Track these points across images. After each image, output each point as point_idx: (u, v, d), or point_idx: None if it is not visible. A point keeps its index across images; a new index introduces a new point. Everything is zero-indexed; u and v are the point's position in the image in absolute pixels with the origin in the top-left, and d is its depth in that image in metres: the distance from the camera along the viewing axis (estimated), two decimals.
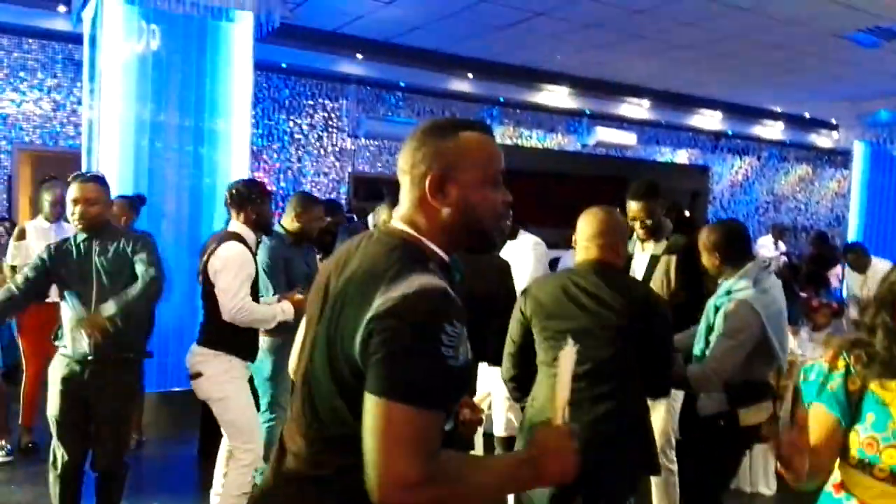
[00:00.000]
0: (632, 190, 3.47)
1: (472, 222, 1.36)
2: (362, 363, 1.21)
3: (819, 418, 1.68)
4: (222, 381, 3.19)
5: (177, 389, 5.18)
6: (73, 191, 3.06)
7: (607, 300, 2.42)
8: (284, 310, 3.35)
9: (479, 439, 3.59)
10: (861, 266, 6.88)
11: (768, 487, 4.44)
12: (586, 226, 2.54)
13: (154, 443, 4.91)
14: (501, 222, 1.41)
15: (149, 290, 3.04)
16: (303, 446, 1.33)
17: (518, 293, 2.66)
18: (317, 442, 1.32)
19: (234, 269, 3.13)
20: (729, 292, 2.82)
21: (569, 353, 1.35)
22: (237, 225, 3.32)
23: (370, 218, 4.38)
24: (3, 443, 4.36)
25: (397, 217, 1.40)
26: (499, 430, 3.80)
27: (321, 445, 1.31)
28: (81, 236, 3.09)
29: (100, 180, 3.17)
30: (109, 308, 2.94)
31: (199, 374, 3.19)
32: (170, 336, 4.87)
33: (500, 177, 1.40)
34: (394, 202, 3.61)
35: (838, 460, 1.71)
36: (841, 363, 1.68)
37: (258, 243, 3.52)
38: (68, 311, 3.01)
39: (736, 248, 2.91)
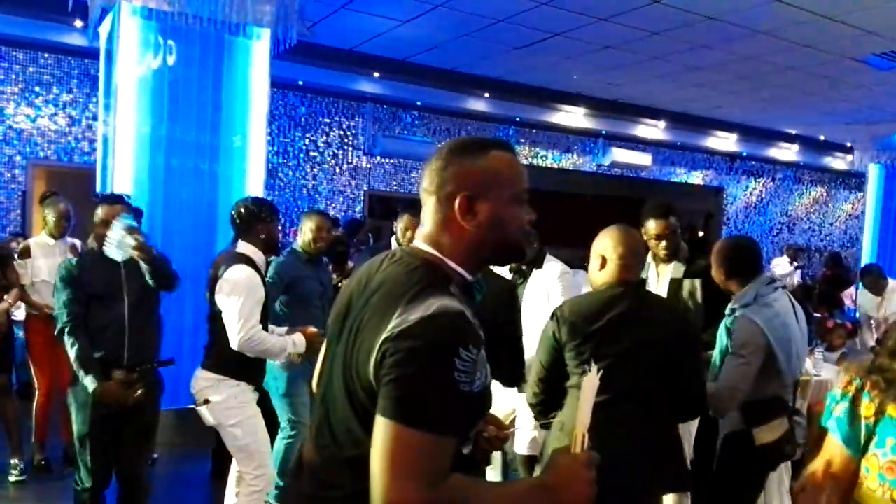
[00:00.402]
0: (651, 208, 3.41)
1: (503, 238, 1.37)
2: (376, 385, 1.21)
3: (831, 444, 1.69)
4: (231, 407, 3.09)
5: (191, 407, 5.11)
6: (100, 212, 3.11)
7: (649, 322, 2.39)
8: (296, 342, 3.23)
9: (496, 455, 3.50)
10: (878, 288, 6.82)
11: None
12: (619, 244, 2.47)
13: (167, 461, 4.86)
14: (529, 238, 1.44)
15: (168, 266, 3.21)
16: (320, 466, 1.34)
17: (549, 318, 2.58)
18: (332, 463, 1.31)
19: (242, 295, 2.98)
20: (734, 310, 2.81)
21: (591, 380, 1.29)
22: (245, 246, 3.16)
23: (395, 225, 4.37)
24: (17, 461, 4.31)
25: (420, 237, 1.39)
26: (521, 449, 3.68)
27: (336, 467, 1.30)
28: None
29: (122, 200, 3.20)
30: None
31: (206, 402, 3.10)
32: (184, 354, 4.81)
33: (526, 195, 1.41)
34: (415, 211, 3.54)
35: (854, 495, 1.66)
36: (851, 388, 1.67)
37: (268, 264, 3.41)
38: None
39: (742, 263, 2.88)
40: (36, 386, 4.55)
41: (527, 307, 3.54)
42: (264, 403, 3.80)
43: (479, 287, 1.40)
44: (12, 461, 4.30)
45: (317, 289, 3.94)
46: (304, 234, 3.91)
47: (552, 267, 3.66)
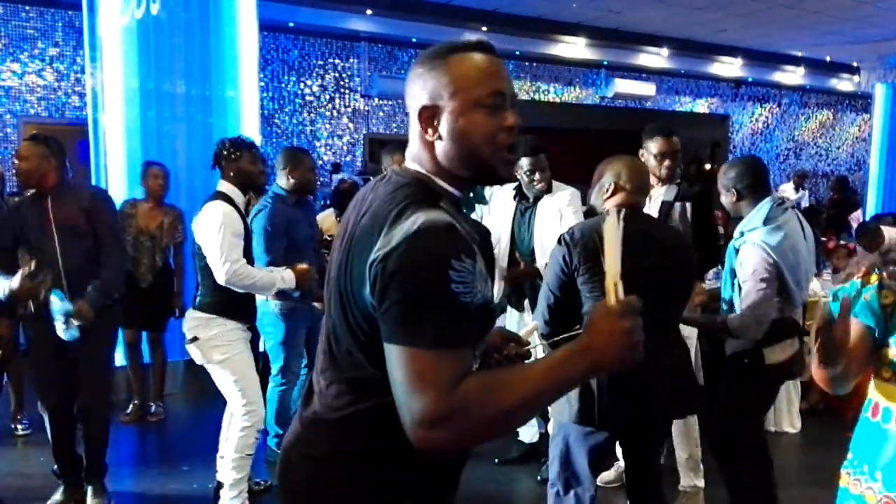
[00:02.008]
0: (655, 127, 3.37)
1: (467, 152, 1.25)
2: (374, 310, 1.17)
3: (852, 328, 1.68)
4: (218, 344, 3.12)
5: None
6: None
7: (659, 244, 2.41)
8: (285, 278, 3.19)
9: None
10: (872, 247, 6.63)
11: (793, 426, 4.50)
12: (631, 171, 2.51)
13: (181, 409, 4.94)
14: (502, 149, 1.26)
15: (121, 269, 3.34)
16: (323, 388, 1.33)
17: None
18: (335, 384, 1.30)
19: (217, 228, 3.01)
20: (742, 233, 2.79)
21: (612, 223, 1.19)
22: (222, 184, 3.19)
23: (383, 164, 4.25)
24: (20, 417, 4.42)
25: (408, 156, 1.34)
26: None
27: (339, 388, 1.30)
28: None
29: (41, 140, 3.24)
30: (94, 300, 3.08)
31: (194, 339, 3.15)
32: (189, 304, 4.83)
33: (500, 99, 1.25)
34: (401, 147, 3.46)
35: (871, 382, 1.74)
36: (874, 278, 1.72)
37: (262, 205, 3.39)
38: (55, 303, 3.02)
39: (752, 183, 2.83)
40: None
41: (539, 232, 3.54)
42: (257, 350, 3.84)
43: (468, 203, 1.32)
44: (17, 416, 4.41)
45: (308, 231, 3.88)
46: (290, 176, 3.73)
47: (562, 192, 3.64)
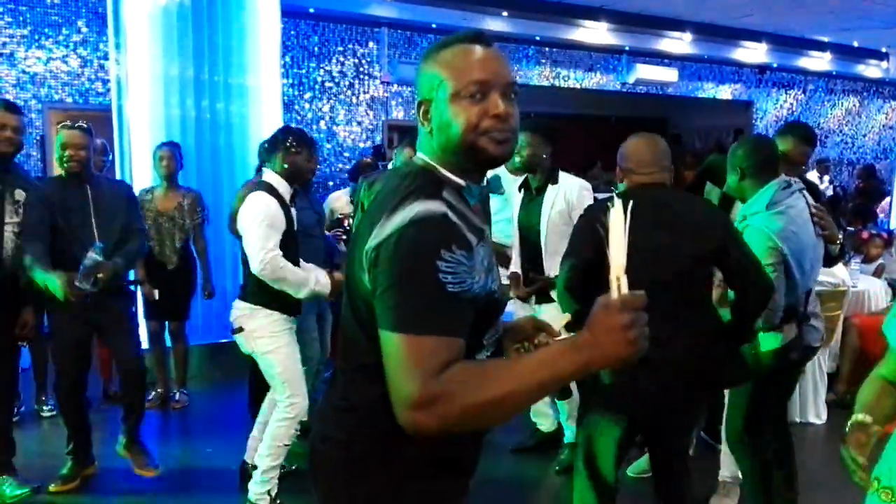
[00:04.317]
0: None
1: (455, 140, 1.29)
2: (371, 296, 1.23)
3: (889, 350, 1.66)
4: (263, 336, 3.16)
5: (224, 341, 5.23)
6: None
7: (675, 220, 2.38)
8: (320, 279, 3.19)
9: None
10: None
11: (818, 417, 4.48)
12: (635, 149, 2.48)
13: (204, 393, 4.99)
14: (488, 134, 1.28)
15: (141, 249, 3.63)
16: (342, 376, 1.40)
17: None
18: (347, 372, 1.39)
19: (257, 218, 3.04)
20: (745, 217, 2.73)
21: (617, 214, 1.15)
22: (269, 174, 3.22)
23: (393, 155, 4.26)
24: (45, 399, 4.54)
25: (418, 147, 1.40)
26: None
27: (350, 375, 1.38)
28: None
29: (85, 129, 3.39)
30: (116, 265, 3.30)
31: (240, 329, 3.21)
32: (227, 291, 4.92)
33: (482, 88, 1.28)
34: (412, 141, 3.48)
35: None
36: None
37: (295, 192, 3.35)
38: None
39: (758, 163, 2.76)
40: None
41: (546, 221, 3.53)
42: None
43: (472, 192, 1.35)
44: (43, 398, 4.53)
45: (314, 218, 3.88)
46: (290, 163, 3.51)
47: (570, 179, 3.62)
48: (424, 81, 1.33)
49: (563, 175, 3.65)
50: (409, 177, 1.31)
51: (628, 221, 1.14)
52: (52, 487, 3.43)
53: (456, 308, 1.19)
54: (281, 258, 3.05)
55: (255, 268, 3.04)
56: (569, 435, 3.80)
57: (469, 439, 1.41)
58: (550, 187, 3.60)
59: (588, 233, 2.43)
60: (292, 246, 3.18)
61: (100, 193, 3.40)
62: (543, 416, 4.02)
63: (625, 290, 1.13)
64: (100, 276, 3.16)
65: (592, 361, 1.13)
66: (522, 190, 3.71)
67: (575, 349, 1.14)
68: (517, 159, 3.53)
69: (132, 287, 3.67)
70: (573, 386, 3.44)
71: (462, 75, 1.28)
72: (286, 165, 3.20)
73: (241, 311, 3.21)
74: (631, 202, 1.20)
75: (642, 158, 2.45)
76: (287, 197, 3.20)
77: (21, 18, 6.89)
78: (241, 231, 3.14)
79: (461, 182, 1.33)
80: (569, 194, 3.58)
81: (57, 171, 3.50)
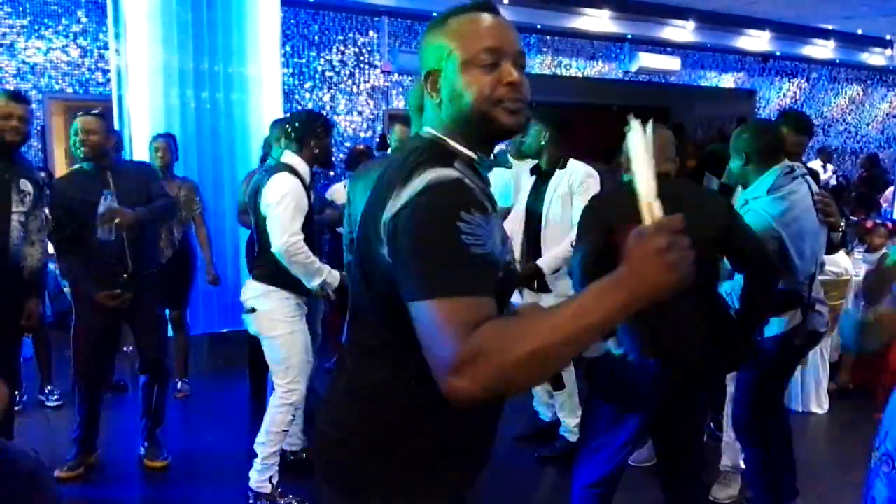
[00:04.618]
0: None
1: (467, 110, 1.26)
2: (391, 270, 1.20)
3: None
4: (276, 319, 3.17)
5: (225, 331, 5.24)
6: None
7: (683, 204, 2.38)
8: (333, 274, 3.20)
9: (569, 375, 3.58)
10: None
11: (820, 407, 4.48)
12: (654, 143, 2.43)
13: (205, 383, 5.00)
14: (501, 104, 1.25)
15: (169, 209, 3.69)
16: (352, 361, 1.37)
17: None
18: (361, 356, 1.36)
19: (286, 199, 3.06)
20: (747, 201, 2.73)
21: (637, 136, 1.08)
22: (291, 157, 3.22)
23: (388, 138, 4.25)
24: (50, 389, 4.55)
25: (425, 122, 1.36)
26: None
27: (364, 359, 1.35)
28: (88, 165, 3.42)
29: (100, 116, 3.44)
30: (140, 212, 3.37)
31: (253, 310, 3.20)
32: (227, 280, 4.91)
33: (496, 56, 1.25)
34: (403, 120, 3.48)
35: None
36: None
37: (314, 175, 3.40)
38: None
39: (761, 148, 2.75)
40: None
41: (548, 205, 3.52)
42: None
43: (484, 163, 1.32)
44: (47, 389, 4.54)
45: (316, 205, 3.88)
46: (321, 147, 3.68)
47: (577, 165, 3.62)
48: (432, 52, 1.30)
49: (572, 162, 3.64)
50: (419, 150, 1.27)
51: (650, 150, 1.07)
52: (57, 473, 3.44)
53: (481, 268, 1.13)
54: (302, 241, 3.07)
55: (277, 247, 3.03)
56: (564, 427, 3.82)
57: (481, 428, 1.39)
58: (558, 172, 3.60)
59: (596, 219, 2.41)
60: (310, 229, 3.21)
61: (120, 178, 3.43)
62: (546, 405, 4.03)
63: (658, 214, 1.06)
64: (117, 221, 3.21)
65: (635, 296, 1.04)
66: (534, 176, 3.71)
67: (615, 286, 1.05)
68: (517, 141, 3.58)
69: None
70: (565, 376, 3.44)
71: (473, 44, 1.25)
72: (316, 150, 3.24)
73: (255, 292, 3.20)
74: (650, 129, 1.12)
75: (659, 148, 2.45)
76: (308, 180, 3.24)
77: (21, 9, 6.86)
78: (264, 210, 3.14)
79: (472, 154, 1.30)
80: (572, 179, 3.57)
81: (59, 159, 3.52)
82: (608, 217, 2.34)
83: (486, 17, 1.28)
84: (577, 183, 3.57)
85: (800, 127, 3.15)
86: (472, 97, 1.25)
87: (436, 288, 1.11)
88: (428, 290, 1.11)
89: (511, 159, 4.04)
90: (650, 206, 1.06)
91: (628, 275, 1.05)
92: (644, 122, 1.09)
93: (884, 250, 5.78)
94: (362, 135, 8.77)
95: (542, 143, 3.57)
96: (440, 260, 1.12)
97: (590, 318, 1.05)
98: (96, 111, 3.45)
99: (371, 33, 8.82)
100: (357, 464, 1.34)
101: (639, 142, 1.08)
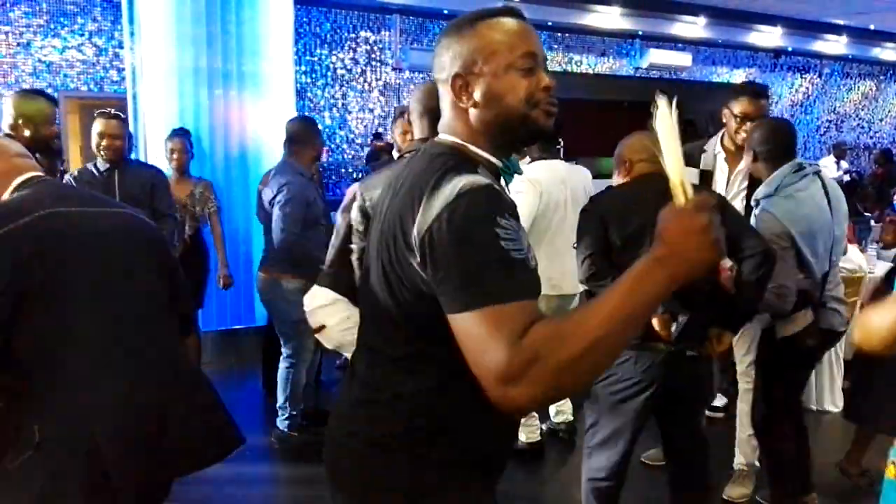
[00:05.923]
0: (742, 88, 3.28)
1: (505, 114, 1.26)
2: (422, 282, 1.17)
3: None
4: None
5: (238, 327, 5.27)
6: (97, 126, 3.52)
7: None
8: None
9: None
10: None
11: (835, 405, 4.45)
12: (642, 143, 2.52)
13: (219, 380, 4.97)
14: (539, 108, 1.26)
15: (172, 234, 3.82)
16: (367, 370, 1.34)
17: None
18: (379, 365, 1.32)
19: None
20: (758, 202, 2.73)
21: (664, 115, 1.07)
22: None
23: (392, 131, 4.32)
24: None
25: (441, 128, 1.34)
26: None
27: (383, 369, 1.31)
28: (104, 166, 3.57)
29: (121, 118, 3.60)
30: None
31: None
32: (238, 277, 4.94)
33: (533, 61, 1.26)
34: (401, 115, 3.53)
35: None
36: None
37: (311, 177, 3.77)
38: None
39: (774, 147, 2.75)
40: None
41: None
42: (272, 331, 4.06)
43: (508, 170, 1.32)
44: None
45: (322, 208, 3.88)
46: (307, 152, 3.77)
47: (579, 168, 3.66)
48: (463, 55, 1.27)
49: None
50: (441, 156, 1.25)
51: (676, 130, 1.07)
52: None
53: (522, 272, 1.12)
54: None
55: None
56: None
57: (500, 438, 1.37)
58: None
59: (595, 222, 2.45)
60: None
61: (126, 179, 3.55)
62: (554, 407, 4.02)
63: (691, 193, 1.05)
64: None
65: (677, 273, 1.04)
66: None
67: (656, 265, 1.04)
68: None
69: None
70: None
71: (514, 48, 1.26)
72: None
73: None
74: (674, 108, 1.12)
75: (644, 148, 2.49)
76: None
77: (37, 8, 6.93)
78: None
79: (496, 161, 1.30)
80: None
81: (74, 157, 3.58)
82: (605, 215, 2.41)
83: (522, 24, 1.30)
84: (580, 179, 3.64)
85: (756, 92, 3.15)
86: (513, 100, 1.25)
87: (478, 298, 1.08)
88: (470, 300, 1.09)
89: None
90: (682, 184, 1.06)
91: (669, 254, 1.04)
92: (670, 102, 1.09)
93: None
94: (376, 131, 8.79)
95: None
96: (484, 267, 1.10)
97: (634, 304, 1.04)
98: (118, 113, 3.55)
99: (382, 31, 8.84)
100: (373, 473, 1.31)
101: (666, 122, 1.08)
